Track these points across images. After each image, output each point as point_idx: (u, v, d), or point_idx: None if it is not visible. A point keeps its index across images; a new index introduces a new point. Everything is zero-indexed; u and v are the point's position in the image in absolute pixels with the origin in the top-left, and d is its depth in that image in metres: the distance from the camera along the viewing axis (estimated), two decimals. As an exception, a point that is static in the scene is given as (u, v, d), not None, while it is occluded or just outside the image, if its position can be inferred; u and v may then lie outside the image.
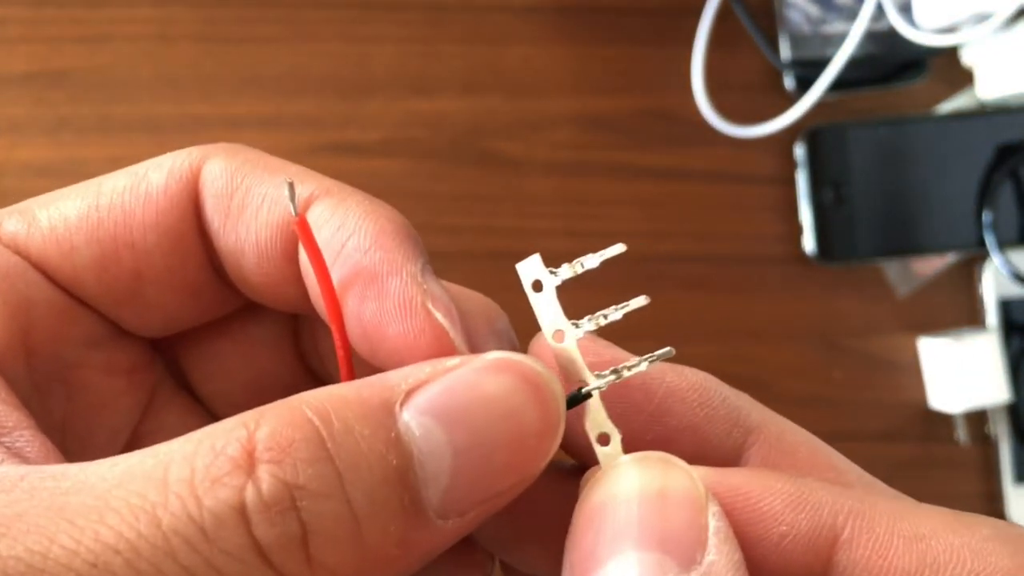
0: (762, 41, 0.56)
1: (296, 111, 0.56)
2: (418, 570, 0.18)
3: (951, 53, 0.54)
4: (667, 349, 0.19)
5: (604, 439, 0.19)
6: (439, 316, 0.19)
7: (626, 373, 0.19)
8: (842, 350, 0.57)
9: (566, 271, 0.19)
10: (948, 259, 0.57)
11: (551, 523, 0.18)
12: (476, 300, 0.21)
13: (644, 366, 0.19)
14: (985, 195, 0.55)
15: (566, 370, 0.19)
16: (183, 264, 0.22)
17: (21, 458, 0.17)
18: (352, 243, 0.20)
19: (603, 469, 0.18)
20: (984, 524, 0.17)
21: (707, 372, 0.21)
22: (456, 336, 0.19)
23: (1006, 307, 0.56)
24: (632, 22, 0.57)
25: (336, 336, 0.20)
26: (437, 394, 0.17)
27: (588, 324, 0.19)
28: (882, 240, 0.56)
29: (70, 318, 0.21)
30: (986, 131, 0.56)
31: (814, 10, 0.57)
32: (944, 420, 0.56)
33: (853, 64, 0.52)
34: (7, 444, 0.17)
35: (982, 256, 0.56)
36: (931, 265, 0.57)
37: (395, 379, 0.17)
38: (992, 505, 0.56)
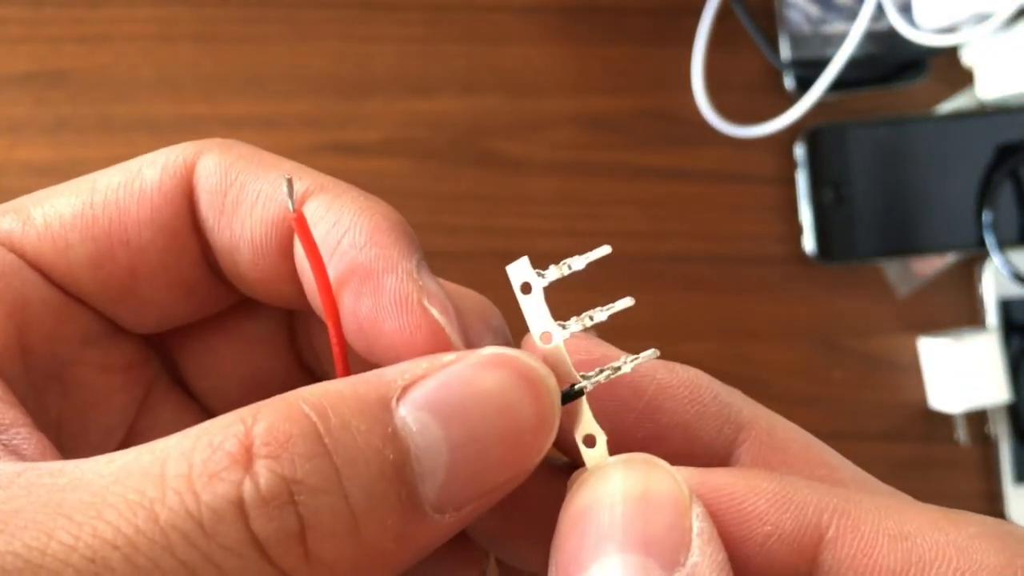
0: (762, 41, 0.56)
1: (296, 111, 0.56)
2: (413, 565, 0.18)
3: (951, 53, 0.54)
4: (652, 351, 0.19)
5: (590, 441, 0.19)
6: (435, 312, 0.19)
7: (613, 374, 0.19)
8: (842, 350, 0.57)
9: (553, 273, 0.20)
10: (948, 259, 0.57)
11: (545, 520, 0.18)
12: (471, 297, 0.22)
13: (629, 367, 0.19)
14: (985, 195, 0.55)
15: (554, 370, 0.19)
16: (178, 261, 0.22)
17: (18, 455, 0.17)
18: (348, 239, 0.20)
19: (588, 471, 0.19)
20: (971, 521, 0.17)
21: (706, 372, 0.21)
22: (452, 332, 0.19)
23: (1006, 307, 0.56)
24: (632, 22, 0.57)
25: (332, 332, 0.20)
26: (433, 389, 0.17)
27: (575, 325, 0.19)
28: (882, 240, 0.56)
29: (66, 315, 0.21)
30: (986, 131, 0.56)
31: (814, 10, 0.57)
32: (944, 420, 0.56)
33: (853, 64, 0.52)
34: (4, 441, 0.17)
35: (982, 256, 0.56)
36: (931, 265, 0.57)
37: (391, 375, 0.17)
38: (992, 505, 0.56)
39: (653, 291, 0.56)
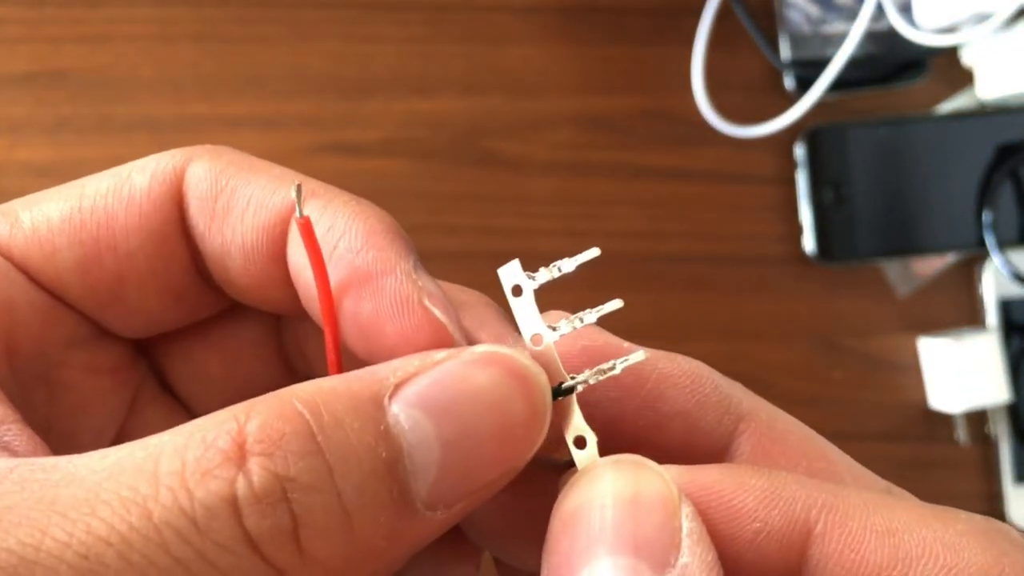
0: (762, 41, 0.56)
1: (296, 111, 0.56)
2: (404, 561, 0.18)
3: (951, 53, 0.54)
4: (640, 352, 0.19)
5: (580, 442, 0.19)
6: (437, 312, 0.19)
7: (603, 376, 0.19)
8: (842, 350, 0.57)
9: (544, 275, 0.20)
10: (948, 259, 0.57)
11: (541, 519, 0.18)
12: (470, 295, 0.22)
13: (619, 369, 0.19)
14: (985, 195, 0.55)
15: (545, 372, 0.19)
16: (166, 267, 0.22)
17: (10, 451, 0.17)
18: (344, 244, 0.20)
19: (579, 472, 0.19)
20: (959, 519, 0.17)
21: (711, 367, 0.21)
22: (455, 331, 0.19)
23: (1006, 307, 0.56)
24: (632, 22, 0.58)
25: (328, 337, 0.20)
26: (425, 387, 0.17)
27: (565, 327, 0.20)
28: (882, 240, 0.56)
29: (53, 318, 0.21)
30: (986, 131, 0.56)
31: (814, 10, 0.57)
32: (944, 420, 0.56)
33: (853, 64, 0.52)
34: None
35: (982, 256, 0.56)
36: (931, 265, 0.57)
37: (384, 372, 0.17)
38: (992, 505, 0.56)
39: (653, 291, 0.56)
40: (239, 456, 0.15)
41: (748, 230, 0.57)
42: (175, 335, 0.24)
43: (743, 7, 0.56)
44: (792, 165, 0.57)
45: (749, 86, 0.57)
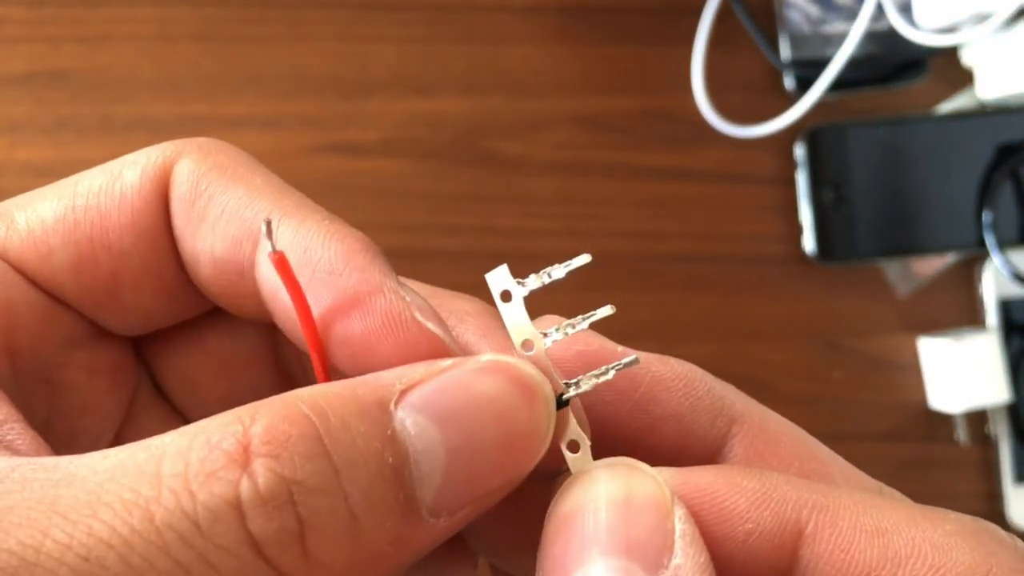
0: (762, 41, 0.56)
1: (296, 111, 0.56)
2: (406, 569, 0.18)
3: (951, 53, 0.54)
4: (633, 356, 0.19)
5: (574, 446, 0.19)
6: (430, 325, 0.19)
7: (596, 381, 0.19)
8: (842, 350, 0.57)
9: (533, 282, 0.19)
10: (948, 259, 0.57)
11: (537, 528, 0.18)
12: (472, 304, 0.21)
13: (612, 374, 0.19)
14: (985, 195, 0.55)
15: None
16: (160, 266, 0.22)
17: (12, 451, 0.17)
18: (323, 266, 0.19)
19: (572, 476, 0.19)
20: (948, 519, 0.17)
21: (704, 370, 0.21)
22: (451, 343, 0.19)
23: (1006, 307, 0.56)
24: (632, 22, 0.57)
25: (316, 362, 0.19)
26: (431, 393, 0.17)
27: (556, 334, 0.19)
28: (882, 240, 0.56)
29: (51, 318, 0.21)
30: (986, 131, 0.56)
31: (814, 10, 0.57)
32: (944, 420, 0.56)
33: (853, 64, 0.52)
34: None
35: (982, 256, 0.56)
36: (931, 265, 0.57)
37: (389, 378, 0.17)
38: (992, 505, 0.56)
39: (653, 291, 0.56)
40: (243, 458, 0.15)
41: (748, 230, 0.57)
42: (171, 340, 0.24)
43: (743, 7, 0.56)
44: (792, 165, 0.57)
45: (749, 86, 0.57)
